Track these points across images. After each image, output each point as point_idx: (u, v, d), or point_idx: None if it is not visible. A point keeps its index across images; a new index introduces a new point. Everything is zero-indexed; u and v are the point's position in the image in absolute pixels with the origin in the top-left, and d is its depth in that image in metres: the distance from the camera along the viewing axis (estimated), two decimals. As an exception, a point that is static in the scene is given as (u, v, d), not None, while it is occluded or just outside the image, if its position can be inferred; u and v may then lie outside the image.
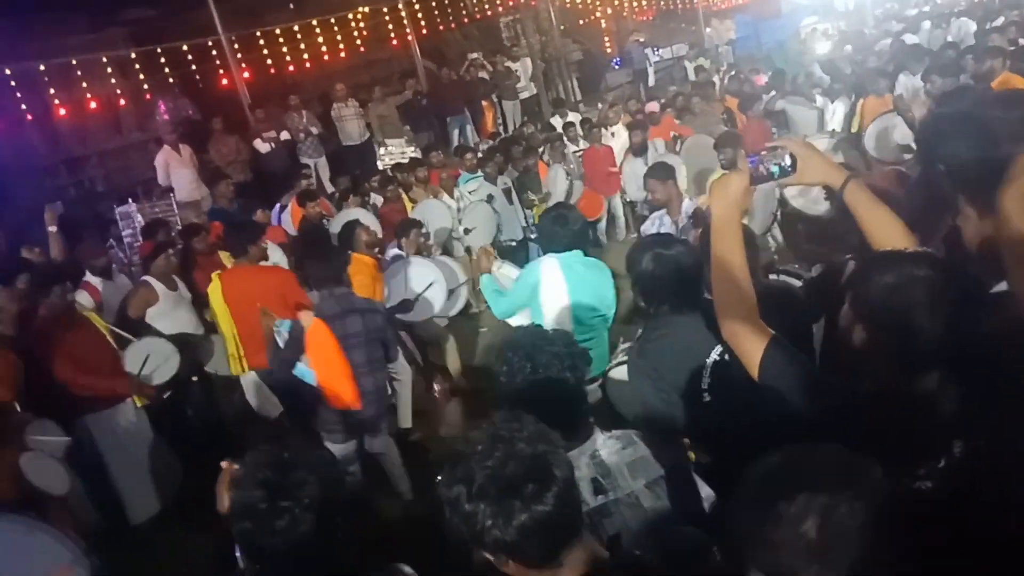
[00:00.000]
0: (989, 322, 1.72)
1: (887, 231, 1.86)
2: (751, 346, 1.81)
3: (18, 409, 4.02)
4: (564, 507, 1.33)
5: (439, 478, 1.39)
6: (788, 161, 1.78)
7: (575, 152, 9.07)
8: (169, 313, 5.27)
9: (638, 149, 8.01)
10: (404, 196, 7.44)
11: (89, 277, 5.49)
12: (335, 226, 6.30)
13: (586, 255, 3.81)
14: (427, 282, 5.37)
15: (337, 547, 1.71)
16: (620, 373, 2.90)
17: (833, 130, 7.29)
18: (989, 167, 2.03)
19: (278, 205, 7.90)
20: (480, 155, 8.30)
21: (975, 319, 1.57)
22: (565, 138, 9.07)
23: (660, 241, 2.69)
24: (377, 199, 7.59)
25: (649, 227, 5.13)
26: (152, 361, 4.75)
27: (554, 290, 3.66)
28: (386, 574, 1.80)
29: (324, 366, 3.83)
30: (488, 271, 4.10)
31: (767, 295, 2.41)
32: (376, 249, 5.68)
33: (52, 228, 6.12)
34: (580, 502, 1.42)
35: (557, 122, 10.76)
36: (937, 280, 1.56)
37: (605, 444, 1.96)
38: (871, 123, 5.88)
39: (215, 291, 4.67)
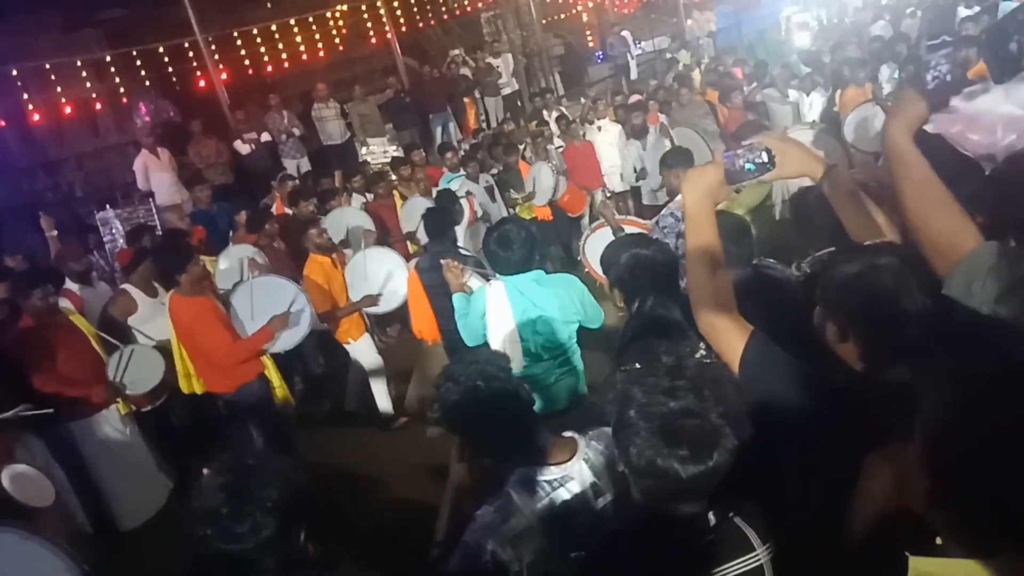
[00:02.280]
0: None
1: (866, 223, 1.85)
2: (731, 340, 1.78)
3: None
4: (698, 483, 1.40)
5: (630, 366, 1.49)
6: (764, 157, 1.73)
7: (557, 148, 9.04)
8: (150, 320, 5.21)
9: (638, 131, 7.86)
10: (395, 193, 7.37)
11: (69, 284, 5.42)
12: (329, 223, 6.24)
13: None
14: (387, 271, 5.40)
15: (301, 551, 1.73)
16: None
17: (814, 121, 7.30)
18: (962, 160, 2.03)
19: (261, 204, 7.84)
20: (463, 153, 8.26)
21: (945, 310, 1.57)
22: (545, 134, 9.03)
23: (635, 241, 2.72)
24: (364, 198, 7.53)
25: (667, 218, 4.99)
26: (137, 368, 4.70)
27: (499, 319, 3.42)
28: None
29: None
30: (460, 288, 3.73)
31: (761, 283, 2.43)
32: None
33: (52, 233, 6.31)
34: (714, 486, 1.44)
35: (545, 114, 10.70)
36: (902, 270, 1.57)
37: (590, 447, 1.96)
38: (850, 113, 5.92)
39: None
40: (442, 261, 3.90)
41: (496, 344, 3.44)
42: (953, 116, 2.42)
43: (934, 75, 1.60)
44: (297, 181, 8.32)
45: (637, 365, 1.52)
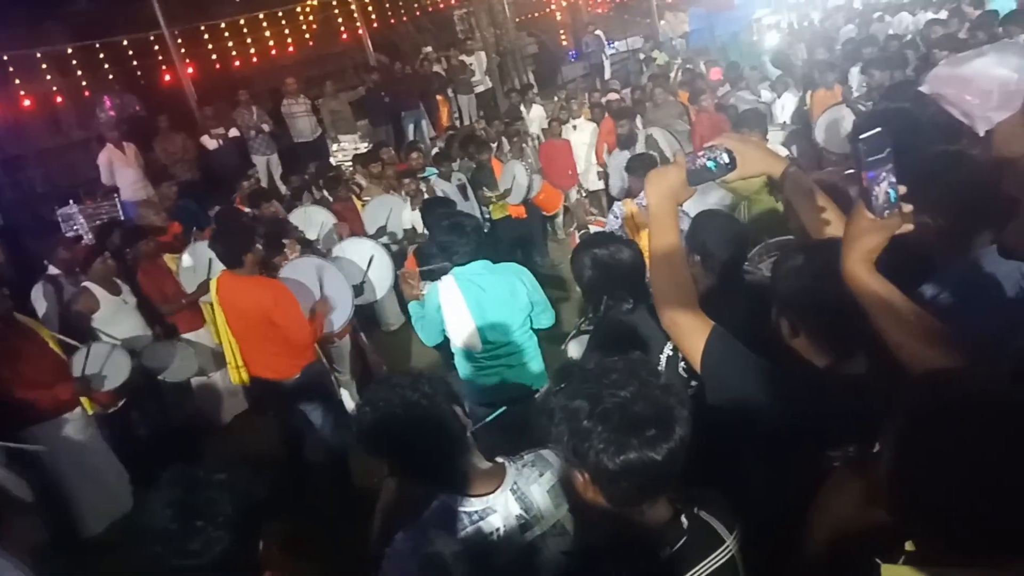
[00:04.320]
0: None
1: (824, 219, 1.87)
2: (692, 337, 1.81)
3: None
4: (670, 464, 1.37)
5: (560, 385, 1.44)
6: (726, 158, 1.74)
7: (533, 146, 9.04)
8: (112, 318, 5.10)
9: (626, 141, 7.28)
10: (353, 195, 7.32)
11: (52, 270, 5.34)
12: (296, 221, 6.21)
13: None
14: (367, 257, 5.33)
15: (259, 561, 1.69)
16: (575, 348, 2.91)
17: (784, 123, 7.37)
18: (919, 164, 2.05)
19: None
20: (436, 151, 8.21)
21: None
22: (522, 132, 9.03)
23: (598, 241, 2.72)
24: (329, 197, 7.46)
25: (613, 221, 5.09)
26: (100, 366, 4.59)
27: (453, 307, 3.56)
28: None
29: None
30: (415, 297, 3.79)
31: (752, 292, 2.45)
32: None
33: None
34: (681, 464, 1.40)
35: (522, 110, 10.70)
36: None
37: (521, 474, 1.84)
38: (820, 115, 5.98)
39: (213, 294, 4.40)
40: (398, 273, 4.01)
41: (456, 335, 3.57)
42: (947, 78, 2.44)
43: (883, 201, 1.45)
44: (255, 180, 8.18)
45: (562, 386, 1.48)
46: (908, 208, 1.48)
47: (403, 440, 1.75)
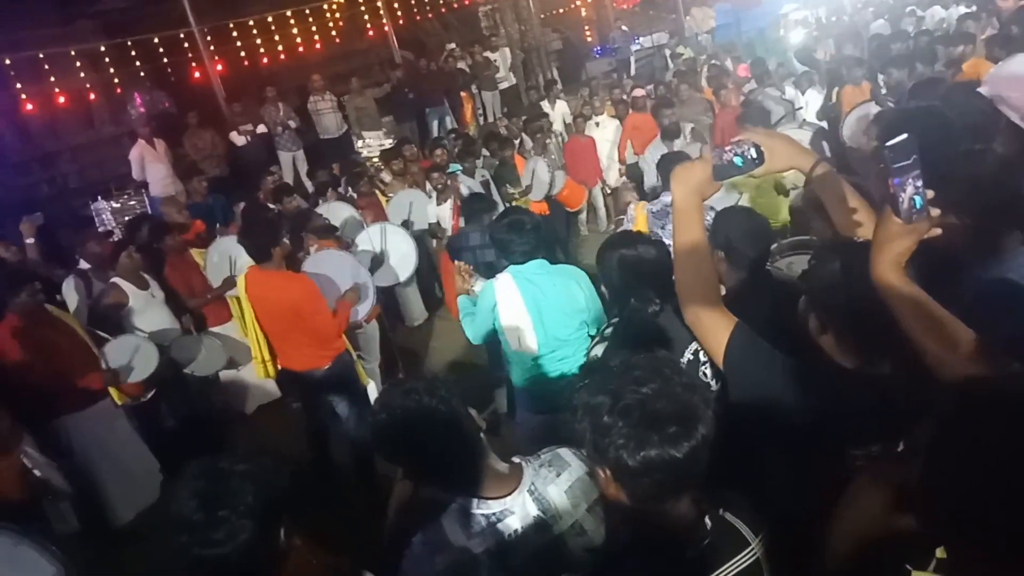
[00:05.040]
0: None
1: (854, 216, 1.85)
2: (715, 333, 1.81)
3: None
4: (691, 462, 1.35)
5: (581, 381, 1.43)
6: (753, 153, 1.73)
7: (556, 142, 9.04)
8: (141, 313, 5.19)
9: (670, 133, 7.09)
10: (377, 191, 7.39)
11: (83, 264, 5.47)
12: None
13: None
14: (391, 239, 5.67)
15: (283, 552, 1.71)
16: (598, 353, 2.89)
17: (804, 120, 7.25)
18: (946, 163, 2.02)
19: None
20: (458, 149, 8.23)
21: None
22: (545, 128, 9.01)
23: (624, 240, 2.69)
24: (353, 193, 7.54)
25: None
26: (131, 357, 4.69)
27: (511, 309, 3.43)
28: None
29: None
30: (466, 291, 3.75)
31: (772, 288, 2.44)
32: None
33: (29, 240, 6.03)
34: (705, 463, 1.38)
35: (546, 106, 10.68)
36: None
37: (538, 474, 1.82)
38: (848, 112, 5.89)
39: (241, 289, 4.45)
40: (455, 263, 3.94)
41: (510, 336, 3.46)
42: (1009, 80, 2.40)
43: (910, 207, 1.45)
44: (278, 176, 8.30)
45: (586, 382, 1.47)
46: (936, 213, 1.47)
47: (420, 445, 1.73)
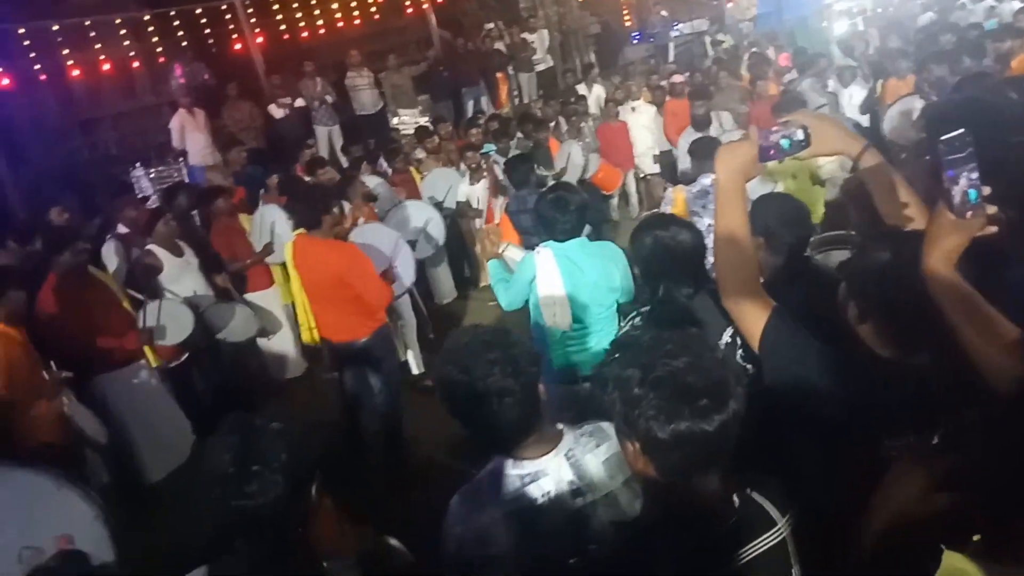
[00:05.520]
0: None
1: (901, 205, 1.82)
2: (753, 317, 1.80)
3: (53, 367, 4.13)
4: (721, 437, 1.34)
5: (614, 355, 1.44)
6: (800, 135, 1.70)
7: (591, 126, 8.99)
8: (176, 279, 5.30)
9: (701, 122, 7.06)
10: (412, 168, 7.45)
11: (121, 228, 5.62)
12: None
13: (597, 236, 3.68)
14: (424, 219, 5.91)
15: (314, 510, 1.74)
16: None
17: (844, 115, 7.13)
18: (990, 155, 1.99)
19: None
20: (493, 129, 8.24)
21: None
22: (580, 111, 8.97)
23: (659, 222, 2.67)
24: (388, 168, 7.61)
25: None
26: (165, 321, 4.80)
27: (549, 284, 3.50)
28: (370, 547, 1.82)
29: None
30: (494, 255, 3.85)
31: (813, 274, 2.42)
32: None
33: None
34: (735, 439, 1.37)
35: (583, 89, 10.62)
36: None
37: (578, 442, 1.83)
38: (891, 105, 5.80)
39: (288, 256, 4.48)
40: (483, 227, 4.00)
41: (545, 310, 3.51)
42: None
43: (963, 201, 1.42)
44: (315, 149, 8.41)
45: (616, 356, 1.46)
46: (992, 209, 1.45)
47: (480, 400, 1.71)
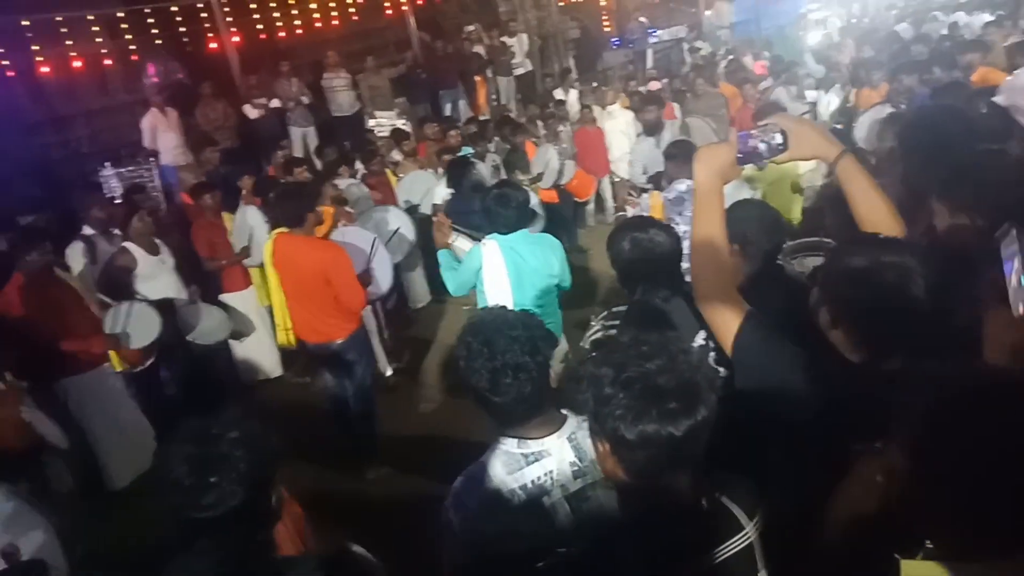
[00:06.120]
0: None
1: (876, 211, 1.84)
2: (726, 320, 1.80)
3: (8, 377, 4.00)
4: (689, 441, 1.34)
5: (592, 354, 1.42)
6: (779, 139, 1.73)
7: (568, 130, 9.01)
8: (150, 278, 5.21)
9: (652, 128, 7.12)
10: (388, 170, 7.41)
11: (87, 230, 5.48)
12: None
13: (570, 241, 3.88)
14: (395, 226, 5.90)
15: (275, 513, 1.73)
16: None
17: (823, 122, 7.24)
18: (959, 162, 2.01)
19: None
20: (471, 132, 8.22)
21: (945, 310, 1.56)
22: (557, 115, 9.00)
23: (637, 224, 2.69)
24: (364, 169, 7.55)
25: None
26: (132, 324, 4.70)
27: (495, 274, 3.81)
28: (333, 552, 1.79)
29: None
30: (445, 245, 4.09)
31: (789, 282, 2.43)
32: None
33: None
34: (705, 444, 1.38)
35: (561, 95, 10.63)
36: (906, 268, 1.57)
37: (580, 427, 1.90)
38: (863, 113, 5.86)
39: (267, 256, 4.46)
40: (433, 218, 4.39)
41: (490, 296, 3.84)
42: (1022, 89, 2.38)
43: (1017, 288, 1.42)
44: (289, 151, 8.38)
45: (594, 354, 1.50)
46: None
47: (497, 373, 1.78)
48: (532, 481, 1.81)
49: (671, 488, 1.44)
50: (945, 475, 1.08)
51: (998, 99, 2.43)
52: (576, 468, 1.83)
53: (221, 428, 1.65)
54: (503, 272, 3.80)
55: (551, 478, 1.82)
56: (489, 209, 3.85)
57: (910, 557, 1.13)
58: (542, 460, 1.83)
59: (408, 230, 6.07)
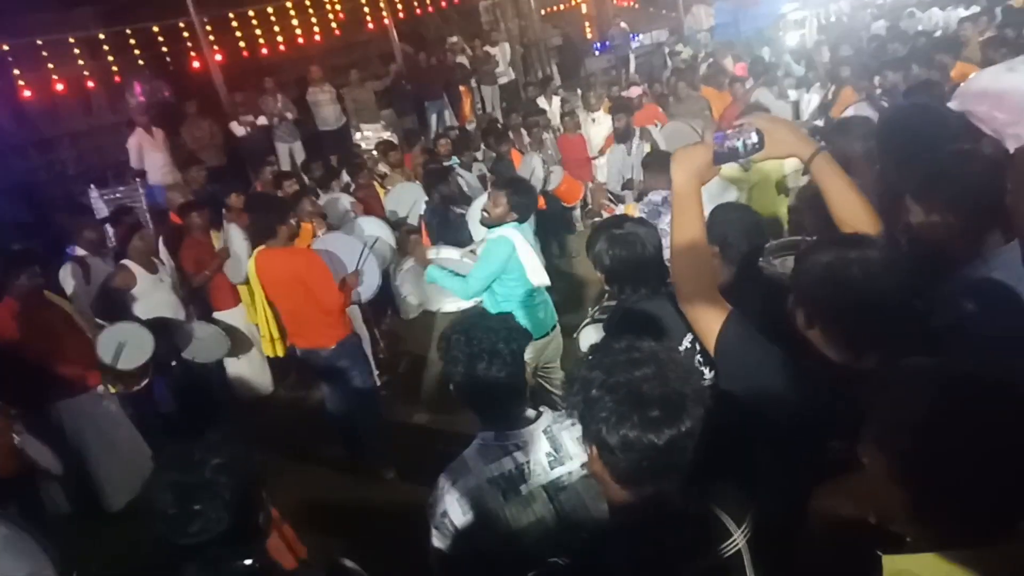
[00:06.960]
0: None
1: (852, 208, 1.86)
2: (709, 319, 1.81)
3: None
4: (672, 451, 1.36)
5: (588, 355, 1.50)
6: (754, 138, 1.75)
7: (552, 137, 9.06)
8: (147, 296, 5.21)
9: (622, 135, 7.30)
10: (376, 183, 7.42)
11: (79, 251, 5.44)
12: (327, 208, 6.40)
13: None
14: (374, 237, 5.66)
15: (263, 531, 1.74)
16: (588, 335, 2.91)
17: (804, 121, 7.31)
18: (933, 161, 2.04)
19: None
20: (456, 139, 8.26)
21: (919, 306, 1.59)
22: (541, 123, 9.04)
23: (614, 222, 2.68)
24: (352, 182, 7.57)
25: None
26: (124, 346, 4.69)
27: (527, 253, 4.05)
28: (325, 570, 1.79)
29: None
30: (427, 263, 4.14)
31: (769, 284, 2.45)
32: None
33: None
34: (689, 455, 1.40)
35: (543, 103, 10.68)
36: (873, 265, 1.59)
37: (556, 421, 2.03)
38: (843, 112, 5.92)
39: (252, 272, 4.53)
40: (412, 238, 4.64)
41: (533, 273, 4.09)
42: (978, 94, 2.41)
43: None
44: (276, 167, 8.41)
45: (589, 357, 1.51)
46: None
47: (474, 359, 1.94)
48: (510, 470, 1.93)
49: (658, 495, 1.44)
50: (924, 462, 1.11)
51: (952, 104, 2.45)
52: (552, 458, 1.95)
53: (204, 454, 1.63)
54: (531, 253, 4.07)
55: (528, 467, 1.94)
56: (518, 201, 4.05)
57: (891, 554, 1.15)
58: (519, 450, 1.95)
59: (389, 240, 5.99)
